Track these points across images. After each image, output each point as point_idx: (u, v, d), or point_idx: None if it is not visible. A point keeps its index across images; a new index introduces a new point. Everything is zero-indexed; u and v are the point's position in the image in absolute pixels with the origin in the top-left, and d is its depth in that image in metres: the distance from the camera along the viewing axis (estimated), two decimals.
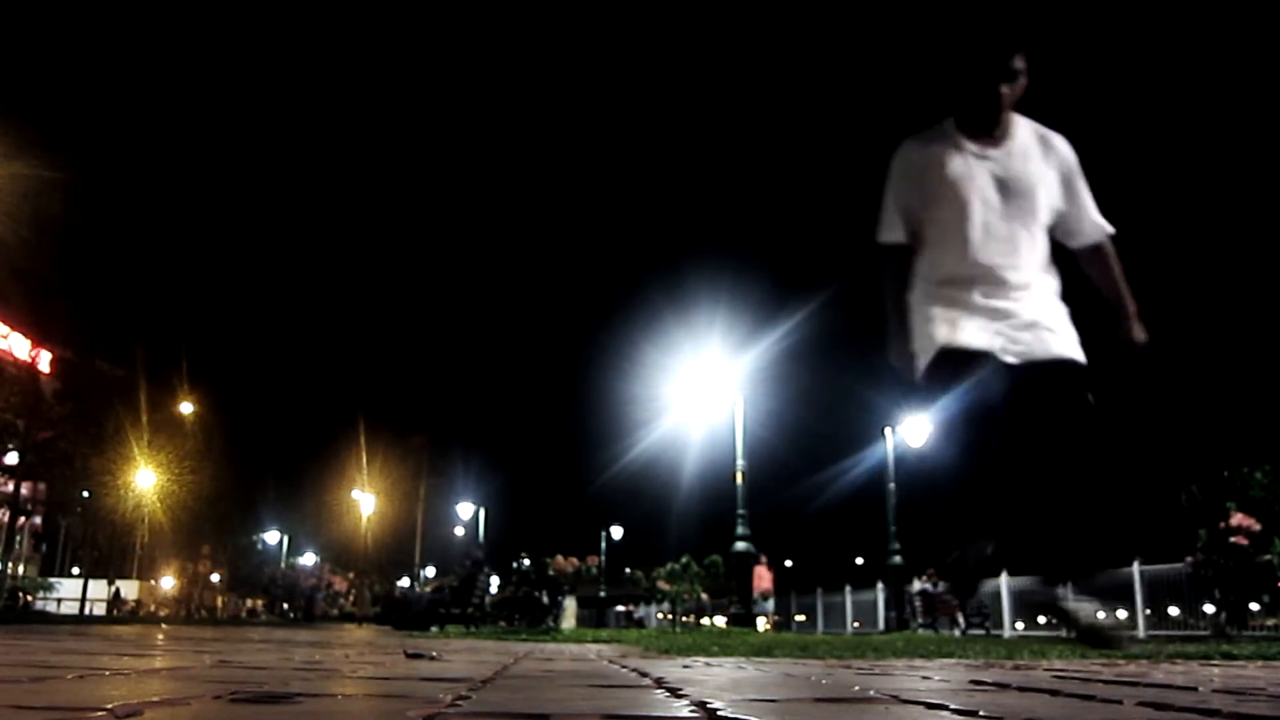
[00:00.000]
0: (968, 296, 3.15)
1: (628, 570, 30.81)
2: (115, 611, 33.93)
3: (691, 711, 1.22)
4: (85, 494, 34.96)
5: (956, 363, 3.08)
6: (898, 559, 19.81)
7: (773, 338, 18.97)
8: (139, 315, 41.40)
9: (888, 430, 21.07)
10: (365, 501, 48.76)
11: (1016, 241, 3.16)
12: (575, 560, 19.57)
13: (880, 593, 21.86)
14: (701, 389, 19.43)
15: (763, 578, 20.63)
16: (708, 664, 2.61)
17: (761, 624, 20.78)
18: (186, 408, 37.32)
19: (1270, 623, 11.28)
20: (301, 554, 49.38)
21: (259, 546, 48.32)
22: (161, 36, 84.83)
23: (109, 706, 1.14)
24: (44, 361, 37.40)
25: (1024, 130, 3.24)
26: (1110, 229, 3.34)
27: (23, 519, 35.90)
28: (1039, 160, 3.22)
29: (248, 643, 4.18)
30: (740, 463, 16.71)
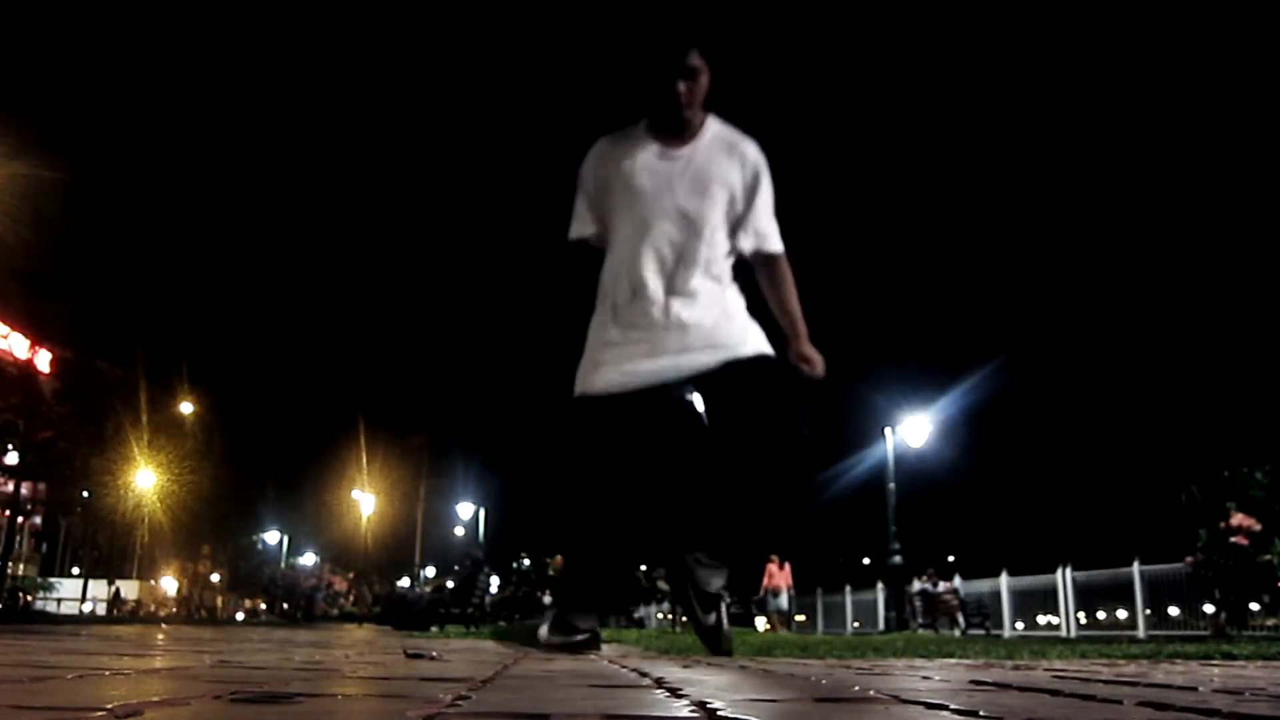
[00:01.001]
0: (633, 306, 3.14)
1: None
2: (115, 611, 33.94)
3: (691, 711, 1.22)
4: (85, 494, 34.98)
5: (602, 406, 3.09)
6: (898, 559, 19.81)
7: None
8: (139, 315, 41.37)
9: (888, 430, 21.07)
10: (365, 501, 48.79)
11: (691, 244, 3.13)
12: None
13: (880, 593, 21.86)
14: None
15: (773, 575, 20.35)
16: (708, 664, 2.61)
17: (761, 623, 20.77)
18: (186, 408, 37.34)
19: (1270, 623, 11.29)
20: (301, 554, 49.43)
21: (259, 546, 48.36)
22: (161, 36, 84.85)
23: (109, 706, 1.14)
24: (44, 361, 37.40)
25: (712, 131, 3.19)
26: (779, 248, 3.29)
27: (23, 519, 35.90)
28: (722, 162, 3.17)
29: (248, 643, 4.18)
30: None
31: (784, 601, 20.79)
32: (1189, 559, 9.77)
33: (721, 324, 3.15)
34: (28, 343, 37.98)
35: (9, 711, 1.07)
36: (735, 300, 3.24)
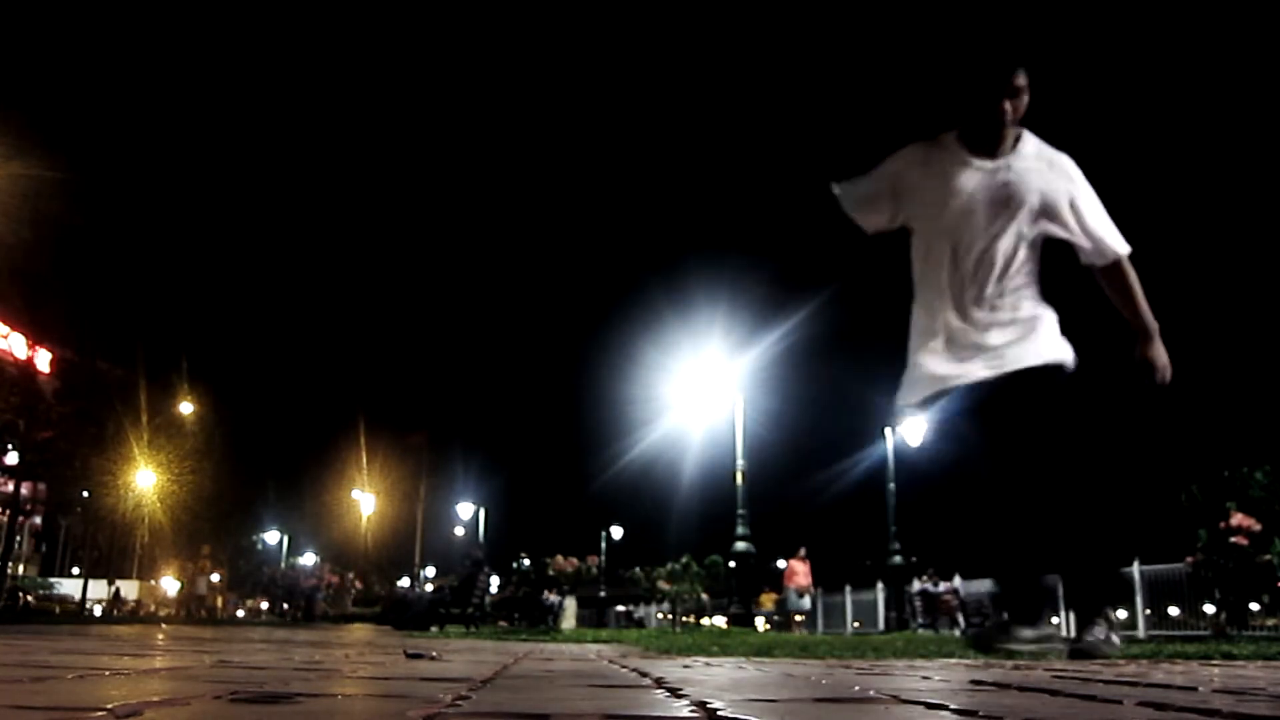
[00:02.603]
0: (950, 313, 3.17)
1: (628, 570, 30.83)
2: (115, 611, 33.93)
3: (691, 711, 1.22)
4: (85, 494, 34.96)
5: (942, 391, 3.13)
6: (898, 559, 19.80)
7: (772, 338, 18.94)
8: (139, 315, 41.40)
9: (888, 430, 21.08)
10: (365, 501, 48.83)
11: (1006, 257, 3.17)
12: (575, 560, 19.56)
13: (880, 593, 21.86)
14: (701, 389, 19.43)
15: (796, 572, 19.14)
16: (708, 664, 2.61)
17: (760, 623, 20.72)
18: (186, 408, 37.32)
19: (1270, 623, 11.28)
20: (301, 554, 49.40)
21: (259, 546, 48.35)
22: (161, 36, 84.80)
23: (109, 706, 1.14)
24: (44, 361, 37.41)
25: (1029, 147, 3.23)
26: (1126, 249, 3.31)
27: (23, 519, 35.90)
28: (1042, 178, 3.20)
29: (248, 643, 4.18)
30: (740, 463, 16.71)
31: (807, 602, 19.52)
32: (1189, 559, 9.77)
33: (1038, 336, 3.21)
34: (28, 342, 37.99)
35: (9, 711, 1.07)
36: (1041, 316, 3.27)
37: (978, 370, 3.12)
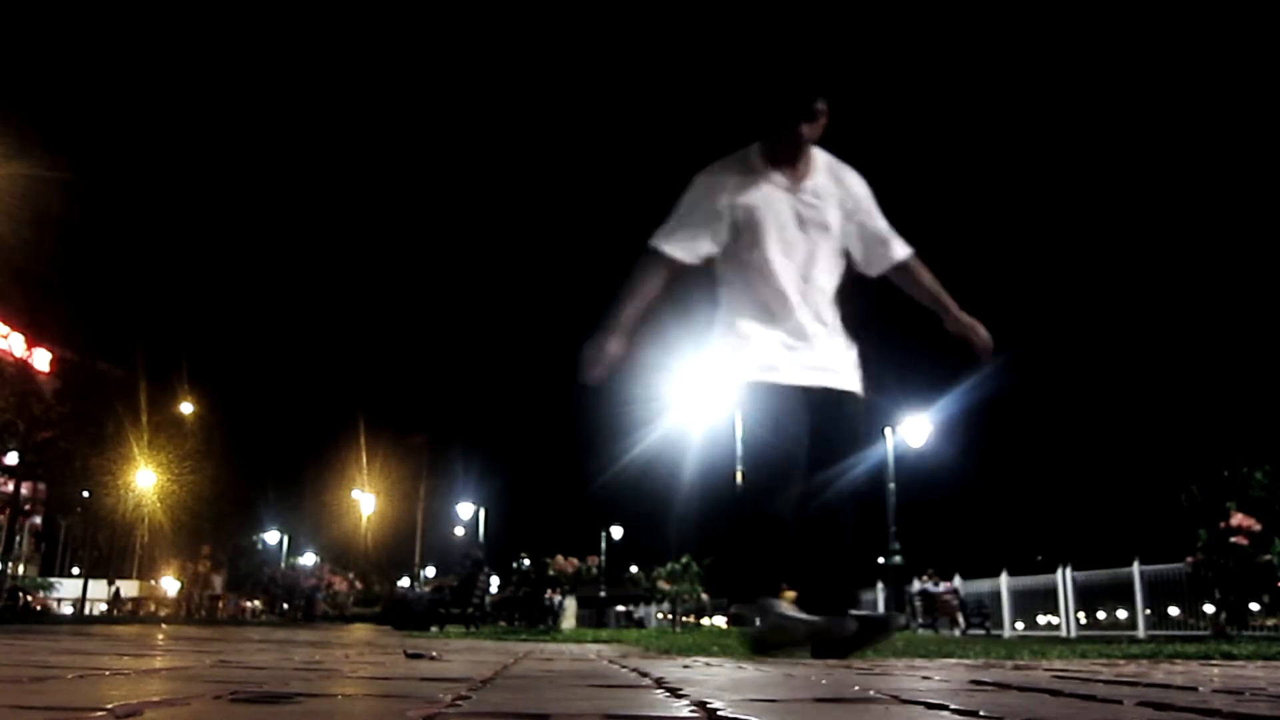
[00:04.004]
0: (767, 328, 3.30)
1: (628, 570, 30.82)
2: (115, 611, 33.93)
3: (691, 711, 1.22)
4: (85, 494, 34.95)
5: (765, 395, 3.26)
6: (898, 559, 19.80)
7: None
8: (139, 315, 41.42)
9: (888, 430, 21.08)
10: (365, 501, 48.79)
11: (811, 274, 3.33)
12: (575, 560, 19.54)
13: (880, 593, 21.86)
14: (701, 389, 19.41)
15: None
16: (708, 664, 2.61)
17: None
18: (186, 408, 37.30)
19: (1270, 623, 11.28)
20: (301, 554, 49.36)
21: (259, 546, 48.30)
22: (161, 36, 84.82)
23: (109, 706, 1.14)
24: (44, 361, 37.41)
25: (822, 164, 3.40)
26: (909, 249, 3.50)
27: (23, 519, 35.89)
28: (834, 194, 3.38)
29: (248, 643, 4.18)
30: (740, 465, 16.67)
31: None
32: (1189, 559, 9.76)
33: (844, 360, 3.38)
34: (28, 342, 37.99)
35: (9, 711, 1.07)
36: (847, 336, 3.44)
37: (805, 374, 3.27)
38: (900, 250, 3.49)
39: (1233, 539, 8.97)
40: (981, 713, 1.22)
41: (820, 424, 3.26)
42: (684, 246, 3.36)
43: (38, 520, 42.46)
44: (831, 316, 3.37)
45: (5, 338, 40.29)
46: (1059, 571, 17.20)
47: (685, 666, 2.41)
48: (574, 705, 1.29)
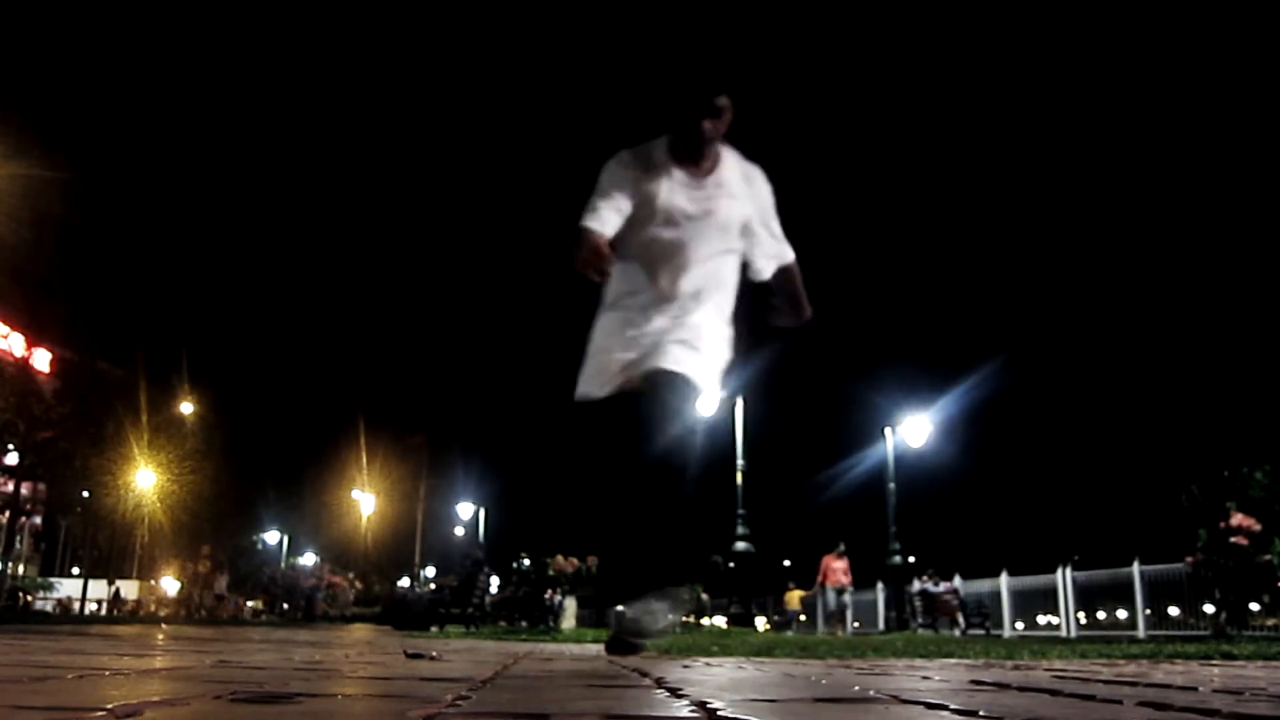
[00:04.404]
0: (646, 318, 3.30)
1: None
2: (115, 611, 33.94)
3: (691, 711, 1.22)
4: (85, 494, 34.96)
5: (615, 402, 3.27)
6: (898, 559, 19.80)
7: (772, 338, 18.91)
8: (139, 315, 41.36)
9: (888, 430, 21.08)
10: (365, 501, 48.79)
11: (705, 271, 3.33)
12: (575, 560, 19.54)
13: (880, 593, 21.86)
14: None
15: (834, 569, 18.26)
16: (708, 664, 2.61)
17: (761, 623, 20.67)
18: (186, 408, 37.30)
19: (1270, 623, 11.28)
20: (301, 554, 49.36)
21: (259, 546, 48.31)
22: (161, 36, 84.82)
23: (109, 706, 1.14)
24: (44, 361, 37.42)
25: (729, 163, 3.40)
26: (792, 255, 3.54)
27: (23, 519, 35.89)
28: (740, 194, 3.39)
29: (248, 643, 4.18)
30: (740, 463, 16.71)
31: (847, 599, 18.54)
32: (1189, 559, 9.76)
33: (707, 363, 3.36)
34: (28, 342, 37.99)
35: (9, 711, 1.07)
36: (724, 349, 3.46)
37: (655, 358, 3.25)
38: (789, 254, 3.53)
39: (1233, 539, 8.97)
40: (981, 713, 1.22)
41: (653, 408, 3.24)
42: (612, 224, 3.34)
43: (38, 520, 42.47)
44: (712, 316, 3.36)
45: (5, 338, 40.29)
46: (1059, 571, 17.20)
47: (685, 666, 2.41)
48: (574, 705, 1.29)
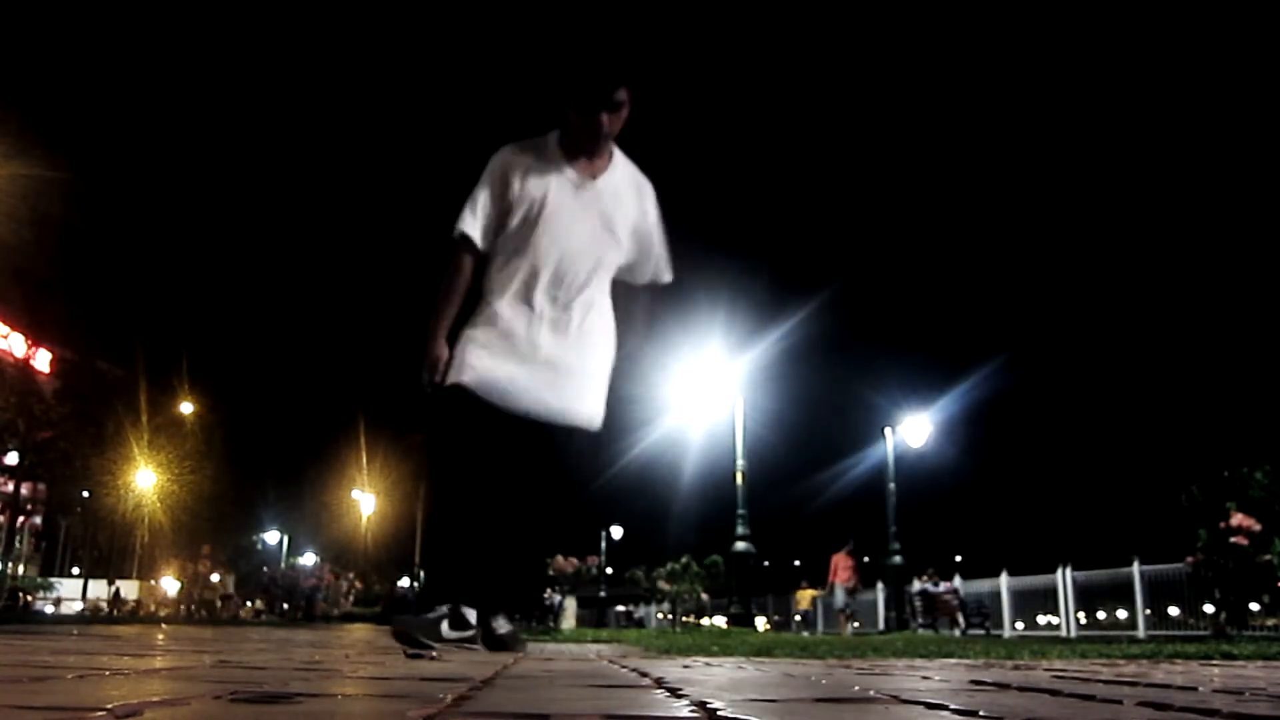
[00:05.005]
0: (516, 320, 3.20)
1: (628, 570, 30.80)
2: (115, 611, 33.93)
3: (691, 711, 1.22)
4: (85, 494, 34.97)
5: (466, 397, 3.14)
6: (898, 559, 19.80)
7: (773, 338, 18.93)
8: (139, 315, 41.40)
9: (888, 430, 21.08)
10: (365, 501, 48.76)
11: (585, 274, 3.24)
12: (575, 560, 19.55)
13: (880, 593, 21.85)
14: (701, 389, 19.42)
15: (843, 567, 18.21)
16: (708, 664, 2.61)
17: (761, 623, 20.65)
18: (186, 408, 37.30)
19: (1270, 623, 11.27)
20: (301, 554, 49.34)
21: (259, 546, 48.33)
22: (161, 36, 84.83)
23: (109, 706, 1.14)
24: (44, 361, 37.43)
25: (620, 168, 3.31)
26: (670, 279, 3.44)
27: (23, 519, 35.89)
28: (629, 201, 3.30)
29: (248, 643, 4.18)
30: (740, 463, 16.70)
31: (853, 600, 18.49)
32: (1189, 559, 9.76)
33: (585, 380, 3.27)
34: (28, 342, 37.99)
35: (9, 711, 1.07)
36: (605, 351, 3.34)
37: (519, 385, 3.16)
38: (667, 275, 3.43)
39: (1233, 539, 8.96)
40: (981, 713, 1.22)
41: (531, 453, 3.19)
42: (488, 230, 3.29)
43: (38, 520, 42.48)
44: (589, 318, 3.26)
45: (5, 338, 40.31)
46: (1059, 571, 17.20)
47: (685, 666, 2.41)
48: (574, 705, 1.29)
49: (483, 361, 3.17)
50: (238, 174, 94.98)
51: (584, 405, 3.26)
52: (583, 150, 3.22)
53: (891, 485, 20.62)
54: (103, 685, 1.52)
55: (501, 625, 3.34)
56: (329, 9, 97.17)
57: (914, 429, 21.14)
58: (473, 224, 3.28)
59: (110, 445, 31.08)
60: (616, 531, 37.26)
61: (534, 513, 3.28)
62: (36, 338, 37.74)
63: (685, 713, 1.21)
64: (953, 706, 1.30)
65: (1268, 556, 8.82)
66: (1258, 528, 8.87)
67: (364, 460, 47.18)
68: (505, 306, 3.22)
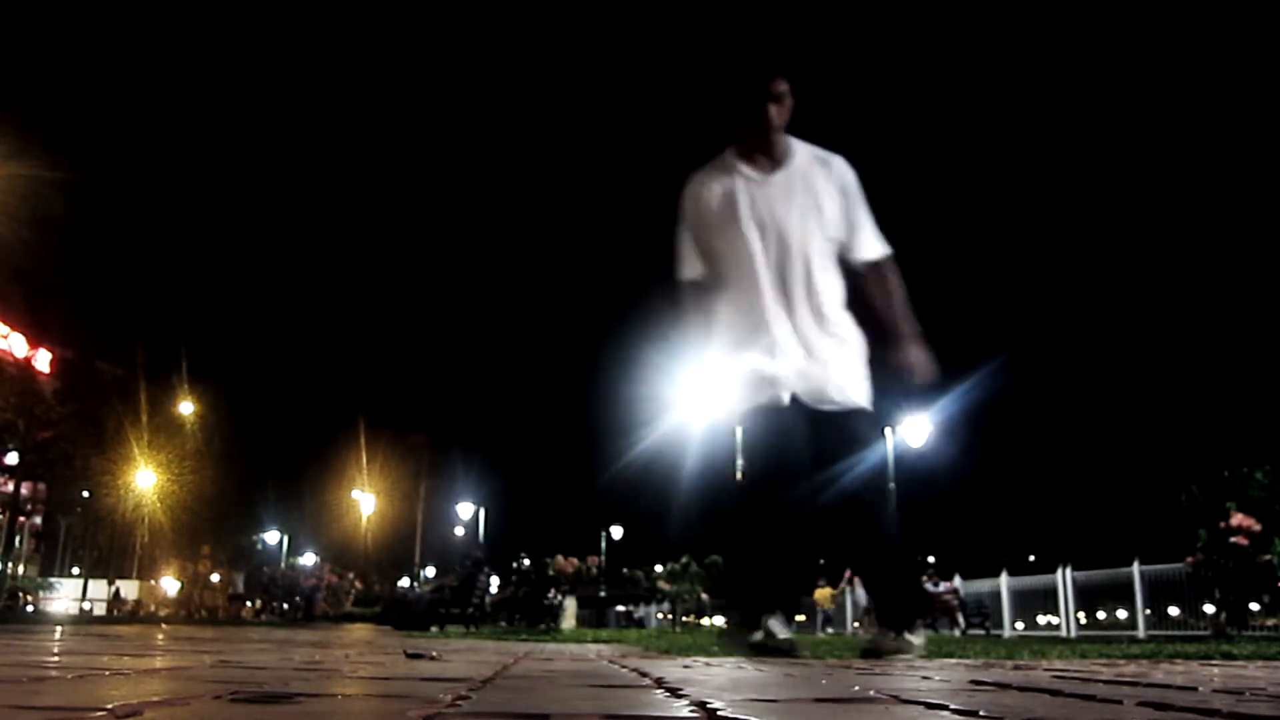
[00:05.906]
0: (759, 332, 3.25)
1: (628, 570, 30.78)
2: (115, 611, 33.95)
3: (691, 711, 1.22)
4: (85, 494, 34.98)
5: (759, 412, 3.26)
6: None
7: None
8: (139, 315, 41.41)
9: (888, 430, 21.08)
10: (365, 501, 48.75)
11: (808, 265, 3.27)
12: (575, 560, 19.56)
13: None
14: (701, 389, 19.40)
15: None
16: (708, 664, 2.60)
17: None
18: (186, 408, 37.31)
19: (1270, 623, 11.28)
20: (301, 554, 49.33)
21: (259, 546, 48.31)
22: (161, 36, 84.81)
23: (109, 706, 1.14)
24: (44, 361, 37.44)
25: (801, 153, 3.35)
26: (888, 249, 3.41)
27: (23, 519, 35.90)
28: (819, 182, 3.32)
29: (248, 643, 4.18)
30: (740, 463, 16.66)
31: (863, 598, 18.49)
32: (1189, 559, 9.76)
33: (848, 362, 3.31)
34: (27, 342, 38.00)
35: (9, 712, 1.07)
36: (845, 339, 3.35)
37: (799, 382, 3.23)
38: (873, 247, 3.39)
39: (1233, 539, 8.97)
40: (981, 713, 1.22)
41: (819, 441, 3.24)
42: (691, 267, 3.40)
43: (38, 520, 42.47)
44: (825, 312, 3.28)
45: (6, 338, 40.30)
46: (1059, 571, 17.20)
47: (685, 666, 2.41)
48: (574, 705, 1.29)
49: (768, 372, 3.25)
50: (238, 174, 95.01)
51: (855, 386, 3.31)
52: (758, 149, 3.30)
53: (892, 485, 20.61)
54: (103, 685, 1.52)
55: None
56: (330, 10, 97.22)
57: (914, 429, 21.13)
58: (686, 267, 3.40)
59: (110, 445, 31.09)
60: (616, 531, 37.27)
61: (860, 503, 3.30)
62: (37, 338, 37.77)
63: (685, 713, 1.21)
64: (953, 706, 1.30)
65: (1268, 556, 8.82)
66: (1258, 528, 8.87)
67: (364, 460, 47.20)
68: (752, 314, 3.28)
